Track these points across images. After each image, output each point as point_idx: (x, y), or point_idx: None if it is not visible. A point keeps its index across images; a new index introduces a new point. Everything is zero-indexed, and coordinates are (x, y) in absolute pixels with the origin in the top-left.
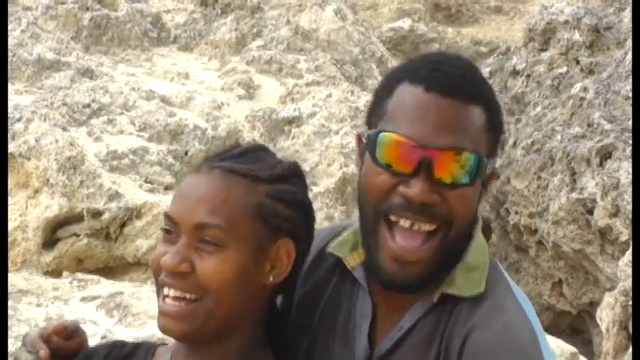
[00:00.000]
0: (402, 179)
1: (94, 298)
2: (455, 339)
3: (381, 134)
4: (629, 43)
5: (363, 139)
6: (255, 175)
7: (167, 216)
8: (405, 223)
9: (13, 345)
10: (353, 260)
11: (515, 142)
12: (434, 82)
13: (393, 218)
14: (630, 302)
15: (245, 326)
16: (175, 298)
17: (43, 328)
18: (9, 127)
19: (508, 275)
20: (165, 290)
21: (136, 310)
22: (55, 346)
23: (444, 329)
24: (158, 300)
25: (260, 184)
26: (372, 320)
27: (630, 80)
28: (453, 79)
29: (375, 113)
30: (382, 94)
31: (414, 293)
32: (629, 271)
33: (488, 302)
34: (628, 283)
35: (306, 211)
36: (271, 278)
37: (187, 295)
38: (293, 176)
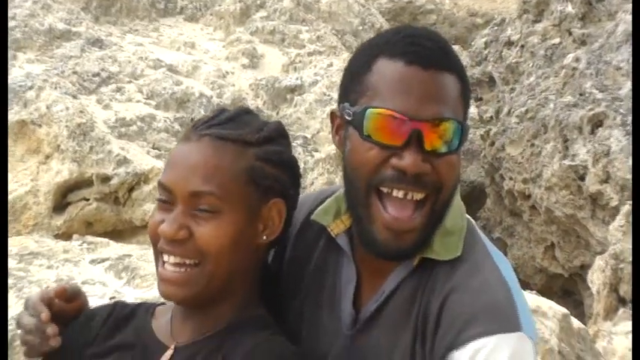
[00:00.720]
0: (392, 152)
1: (103, 260)
2: (433, 301)
3: (369, 110)
4: (620, 15)
5: (346, 115)
6: (244, 140)
7: (162, 185)
8: (398, 193)
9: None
10: (336, 227)
11: (509, 111)
12: (414, 55)
13: (385, 190)
14: (620, 265)
15: (240, 285)
16: (175, 265)
17: (44, 292)
18: (21, 96)
19: (485, 236)
20: (165, 257)
21: (144, 272)
22: (57, 309)
23: (424, 291)
24: (157, 266)
25: (249, 148)
26: (356, 285)
27: (621, 51)
28: (431, 52)
29: (354, 90)
30: (359, 70)
31: (407, 260)
32: (619, 235)
33: (465, 265)
34: (618, 247)
35: (293, 170)
36: (264, 237)
37: (187, 261)
38: (279, 137)
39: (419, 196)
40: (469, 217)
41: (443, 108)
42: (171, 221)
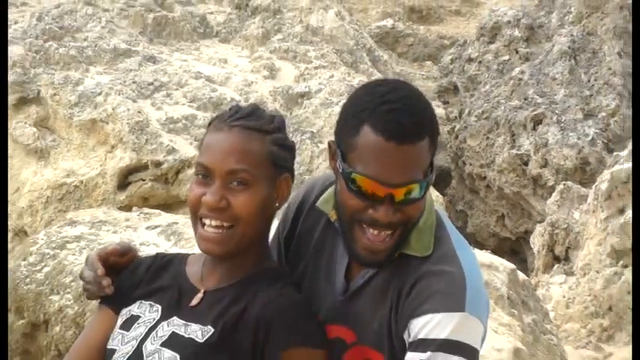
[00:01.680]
0: (370, 203)
1: (156, 226)
2: (407, 283)
3: (353, 174)
4: (556, 37)
5: (338, 167)
6: (263, 129)
7: (202, 165)
8: (373, 231)
9: None
10: (335, 214)
11: (469, 112)
12: (392, 133)
13: (364, 225)
14: (555, 231)
15: (258, 243)
16: (215, 227)
17: (101, 250)
18: (92, 100)
19: (451, 225)
20: (207, 221)
21: (187, 235)
22: (111, 263)
23: (400, 277)
24: (197, 228)
25: (267, 136)
26: (348, 261)
27: (557, 65)
28: (407, 128)
29: (345, 141)
30: (350, 125)
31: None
32: (555, 208)
33: (433, 257)
34: (554, 217)
35: (293, 151)
36: (277, 204)
37: (224, 224)
38: (283, 126)
39: (389, 232)
40: (437, 208)
41: (412, 174)
42: (213, 193)
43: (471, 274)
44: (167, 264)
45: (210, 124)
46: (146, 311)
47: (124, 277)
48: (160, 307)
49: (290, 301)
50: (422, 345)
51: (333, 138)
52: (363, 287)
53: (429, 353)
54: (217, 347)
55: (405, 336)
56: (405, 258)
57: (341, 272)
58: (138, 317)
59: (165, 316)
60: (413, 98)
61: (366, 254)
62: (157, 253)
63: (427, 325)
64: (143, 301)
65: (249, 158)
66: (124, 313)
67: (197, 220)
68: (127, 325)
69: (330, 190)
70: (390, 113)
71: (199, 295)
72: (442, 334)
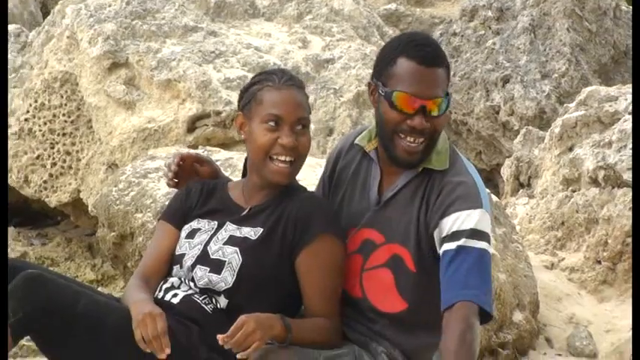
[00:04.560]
0: (407, 116)
1: (217, 160)
2: (433, 193)
3: (395, 92)
4: (519, 17)
5: (380, 91)
6: (303, 86)
7: (275, 115)
8: (410, 139)
9: None
10: (369, 147)
11: (454, 74)
12: (422, 58)
13: (402, 136)
14: (520, 164)
15: None
16: (286, 162)
17: (186, 152)
18: (169, 65)
19: (458, 150)
20: (281, 157)
21: (240, 168)
22: (189, 165)
23: (425, 187)
24: (267, 164)
25: (304, 90)
26: (380, 180)
27: (520, 38)
28: (432, 55)
29: (384, 74)
30: (387, 61)
31: (414, 168)
32: (520, 147)
33: (452, 171)
34: (518, 153)
35: None
36: None
37: (292, 159)
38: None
39: (422, 139)
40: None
41: (437, 90)
42: (288, 136)
43: (479, 182)
44: (214, 189)
45: (256, 82)
46: (205, 225)
47: (183, 201)
48: (216, 222)
49: (320, 201)
50: (456, 235)
51: (348, 95)
52: (394, 197)
53: (463, 239)
54: (267, 241)
55: (436, 233)
56: (428, 172)
57: (374, 188)
58: (199, 229)
59: (221, 225)
60: (429, 39)
61: (405, 156)
62: (204, 180)
63: (457, 221)
64: (200, 219)
65: (305, 108)
66: (186, 228)
67: (267, 157)
68: (191, 235)
69: (364, 132)
70: (417, 46)
71: (246, 211)
72: (469, 225)
